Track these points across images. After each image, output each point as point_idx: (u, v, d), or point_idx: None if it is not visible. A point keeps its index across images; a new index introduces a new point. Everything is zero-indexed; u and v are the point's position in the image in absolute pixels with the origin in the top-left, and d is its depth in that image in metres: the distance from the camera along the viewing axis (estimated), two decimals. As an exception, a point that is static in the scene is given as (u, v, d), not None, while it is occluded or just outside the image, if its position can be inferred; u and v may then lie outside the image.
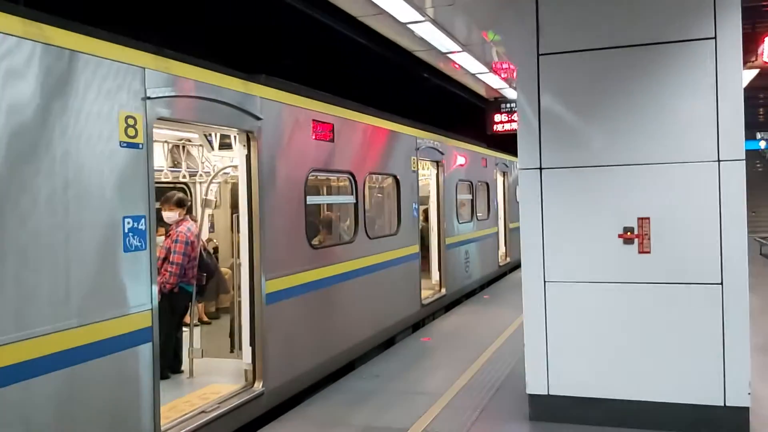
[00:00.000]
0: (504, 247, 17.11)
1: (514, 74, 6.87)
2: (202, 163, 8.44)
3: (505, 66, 12.35)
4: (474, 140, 14.73)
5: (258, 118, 6.33)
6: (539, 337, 6.00)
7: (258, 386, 6.27)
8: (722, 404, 5.51)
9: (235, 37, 14.02)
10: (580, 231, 5.92)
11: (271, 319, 6.44)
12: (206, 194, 7.85)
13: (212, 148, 7.90)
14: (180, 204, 7.10)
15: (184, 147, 8.50)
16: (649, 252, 5.72)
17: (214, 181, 8.02)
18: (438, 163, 12.01)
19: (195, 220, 7.31)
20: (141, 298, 4.84)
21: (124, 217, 4.70)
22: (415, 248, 10.59)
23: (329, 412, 6.49)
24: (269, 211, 6.47)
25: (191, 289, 6.94)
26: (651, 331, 5.71)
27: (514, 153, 6.23)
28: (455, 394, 6.91)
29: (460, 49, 10.77)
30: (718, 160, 5.52)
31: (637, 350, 5.74)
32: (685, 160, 5.64)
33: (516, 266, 16.45)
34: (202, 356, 7.07)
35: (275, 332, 6.51)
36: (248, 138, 6.30)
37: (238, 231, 6.56)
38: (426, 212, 12.52)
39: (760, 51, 12.17)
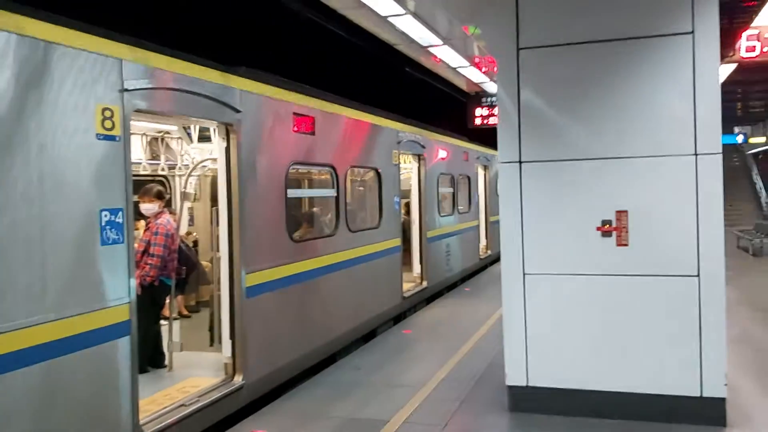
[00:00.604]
0: (485, 240, 17.21)
1: (495, 68, 6.88)
2: (182, 155, 8.36)
3: (484, 60, 12.39)
4: (455, 134, 14.77)
5: (237, 111, 6.28)
6: (518, 329, 6.04)
7: (238, 379, 6.26)
8: (699, 395, 5.58)
9: (215, 30, 13.93)
10: (559, 224, 5.96)
11: (251, 313, 6.42)
12: (185, 187, 7.79)
13: (191, 141, 7.84)
14: (159, 196, 7.04)
15: (163, 139, 8.42)
16: (627, 245, 5.77)
17: (192, 174, 7.96)
18: (419, 157, 12.03)
19: (173, 213, 7.25)
20: (119, 291, 4.80)
21: (102, 210, 4.65)
22: (397, 241, 10.60)
23: (310, 405, 6.49)
24: (249, 204, 6.44)
25: (170, 282, 6.90)
26: (629, 323, 5.76)
27: (495, 147, 6.25)
28: (436, 385, 6.95)
29: (441, 43, 10.80)
30: (696, 154, 5.58)
31: (615, 342, 5.80)
32: (662, 154, 5.69)
33: (497, 259, 16.42)
34: (181, 350, 7.03)
35: (255, 326, 6.49)
36: (227, 130, 6.26)
37: (218, 224, 6.53)
38: (408, 205, 12.53)
39: (737, 46, 12.29)
